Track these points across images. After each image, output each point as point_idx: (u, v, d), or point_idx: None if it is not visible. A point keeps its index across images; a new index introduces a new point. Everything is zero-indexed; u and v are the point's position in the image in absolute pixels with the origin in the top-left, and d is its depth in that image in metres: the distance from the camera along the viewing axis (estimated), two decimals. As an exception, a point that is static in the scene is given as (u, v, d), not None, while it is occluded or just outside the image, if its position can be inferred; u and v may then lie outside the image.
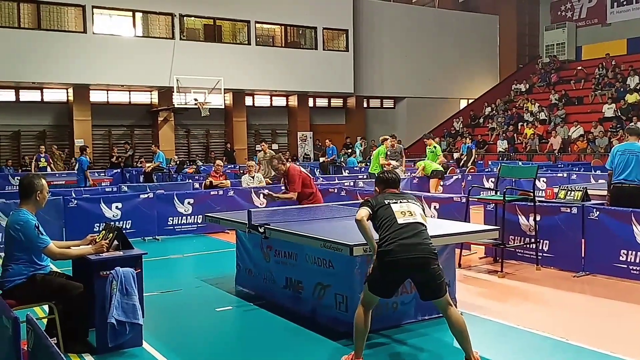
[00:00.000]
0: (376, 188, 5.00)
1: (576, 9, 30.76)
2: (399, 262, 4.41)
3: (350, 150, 24.43)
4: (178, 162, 20.71)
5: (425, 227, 4.64)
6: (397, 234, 4.47)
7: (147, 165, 18.74)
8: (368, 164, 18.44)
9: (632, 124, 17.50)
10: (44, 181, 5.10)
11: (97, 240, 5.29)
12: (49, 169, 19.06)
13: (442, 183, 14.11)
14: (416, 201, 4.82)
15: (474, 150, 21.94)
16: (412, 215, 4.61)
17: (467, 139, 24.61)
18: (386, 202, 4.65)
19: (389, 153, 14.68)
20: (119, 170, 20.33)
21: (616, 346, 4.97)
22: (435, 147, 15.30)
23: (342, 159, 22.06)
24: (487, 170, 19.18)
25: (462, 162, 20.62)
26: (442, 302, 4.51)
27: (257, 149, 21.55)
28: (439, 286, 4.47)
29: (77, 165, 17.18)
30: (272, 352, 5.19)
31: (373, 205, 4.68)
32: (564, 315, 6.06)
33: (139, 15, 23.24)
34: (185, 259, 9.35)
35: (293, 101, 28.07)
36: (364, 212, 4.61)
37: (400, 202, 4.68)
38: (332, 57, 26.92)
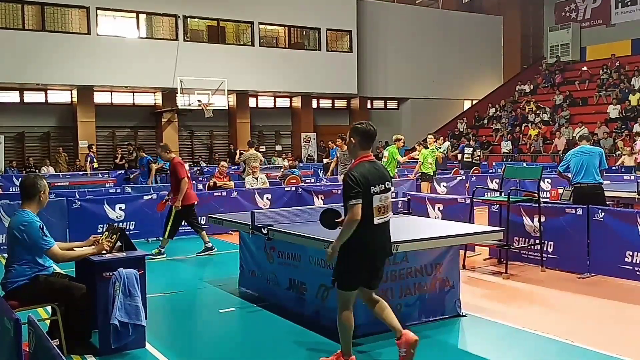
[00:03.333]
0: (352, 139, 4.50)
1: (580, 9, 30.68)
2: (376, 257, 4.50)
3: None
4: None
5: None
6: (372, 238, 4.36)
7: (151, 166, 18.69)
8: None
9: (579, 130, 17.69)
10: (45, 181, 5.13)
11: (101, 241, 5.29)
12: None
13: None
14: (390, 181, 4.54)
15: (480, 152, 21.82)
16: (387, 211, 4.44)
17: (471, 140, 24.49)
18: (372, 190, 4.30)
19: (338, 154, 14.54)
20: (123, 172, 20.36)
21: (622, 348, 4.94)
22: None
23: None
24: (491, 171, 19.12)
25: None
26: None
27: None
28: None
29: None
30: (275, 353, 5.17)
31: (363, 190, 4.25)
32: (569, 317, 6.03)
33: (142, 16, 23.24)
34: (188, 260, 9.34)
35: (297, 102, 28.06)
36: (359, 211, 4.23)
37: (381, 190, 4.37)
38: (336, 58, 26.89)
